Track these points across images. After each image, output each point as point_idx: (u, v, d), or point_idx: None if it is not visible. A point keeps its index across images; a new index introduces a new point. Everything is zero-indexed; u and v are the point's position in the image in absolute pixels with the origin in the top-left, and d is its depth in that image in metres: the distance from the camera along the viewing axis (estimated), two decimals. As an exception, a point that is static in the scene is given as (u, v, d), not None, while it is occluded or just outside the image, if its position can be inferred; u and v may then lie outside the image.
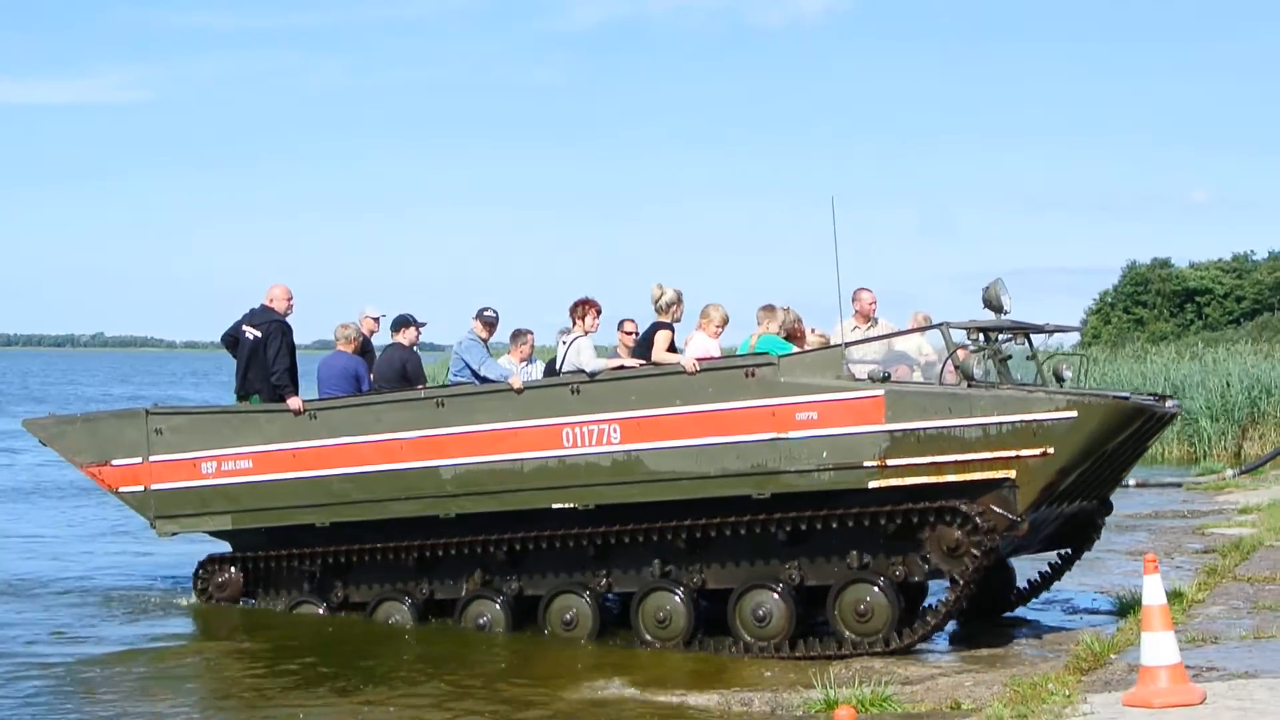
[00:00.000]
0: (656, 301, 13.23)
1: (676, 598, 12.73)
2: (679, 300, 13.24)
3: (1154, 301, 64.98)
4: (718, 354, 12.95)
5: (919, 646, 12.21)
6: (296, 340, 14.78)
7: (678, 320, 13.26)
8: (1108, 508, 13.55)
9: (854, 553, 12.31)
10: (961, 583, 11.93)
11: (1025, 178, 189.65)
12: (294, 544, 14.32)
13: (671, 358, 12.84)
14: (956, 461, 11.76)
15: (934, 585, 13.12)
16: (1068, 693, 9.13)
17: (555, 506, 13.01)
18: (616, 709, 10.89)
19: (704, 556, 12.81)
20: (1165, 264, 66.45)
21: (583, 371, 13.00)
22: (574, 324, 13.47)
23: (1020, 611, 14.12)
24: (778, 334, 13.07)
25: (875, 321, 13.91)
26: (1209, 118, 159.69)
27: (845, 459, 12.02)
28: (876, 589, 12.18)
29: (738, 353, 13.04)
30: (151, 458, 14.58)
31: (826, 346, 12.82)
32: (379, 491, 13.64)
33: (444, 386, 14.04)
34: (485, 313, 14.15)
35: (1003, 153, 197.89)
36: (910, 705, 10.21)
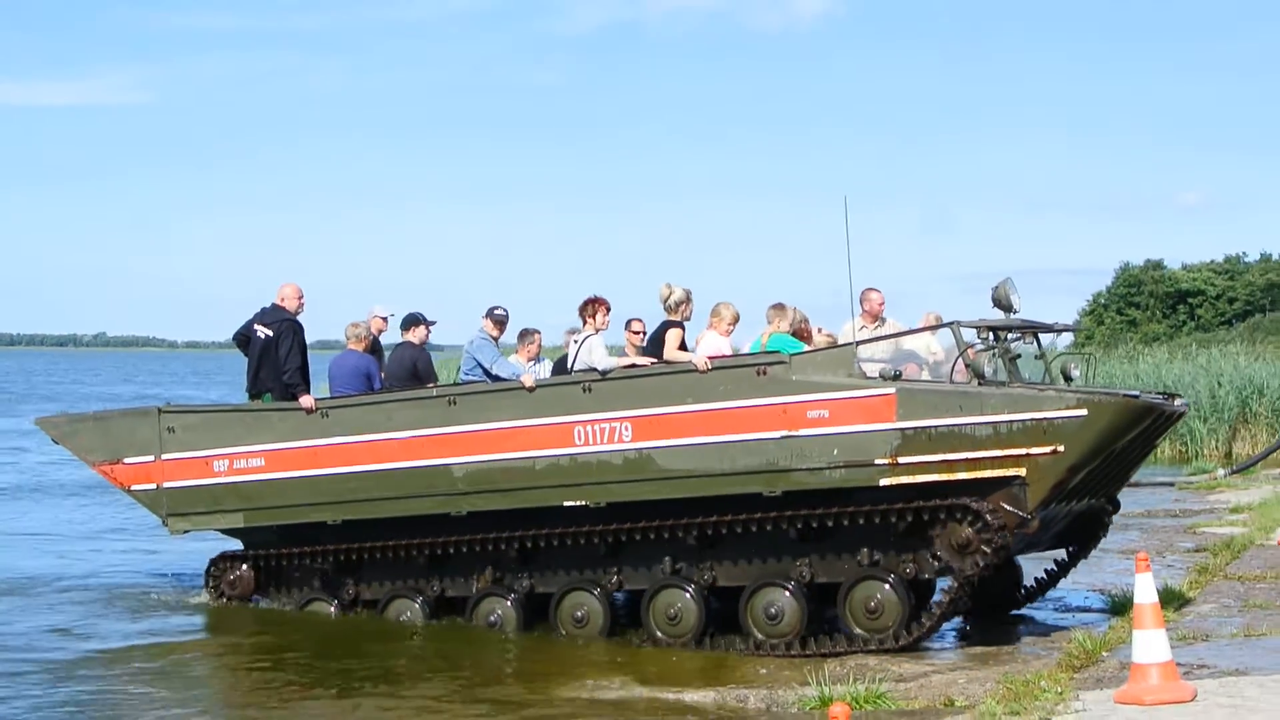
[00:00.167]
0: (665, 300, 13.15)
1: (687, 595, 12.63)
2: (688, 299, 13.15)
3: (1147, 303, 65.06)
4: (729, 352, 12.86)
5: (915, 642, 12.08)
6: (300, 339, 14.63)
7: (687, 319, 13.17)
8: (1115, 506, 13.48)
9: (864, 550, 12.22)
10: (958, 581, 11.84)
11: (1021, 179, 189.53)
12: (305, 542, 14.21)
13: (683, 356, 12.74)
14: (967, 459, 11.68)
15: (942, 582, 13.03)
16: (1060, 690, 9.14)
17: (567, 504, 12.91)
18: (613, 705, 10.85)
19: (715, 554, 12.71)
20: (1158, 266, 66.53)
21: (595, 369, 12.90)
22: (584, 323, 13.39)
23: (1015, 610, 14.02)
24: (788, 332, 12.98)
25: (883, 321, 13.82)
26: (1202, 120, 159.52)
27: (857, 456, 11.93)
28: (887, 586, 12.09)
29: (749, 351, 12.93)
30: (164, 456, 14.48)
31: (837, 345, 12.72)
32: (391, 489, 13.53)
33: (456, 385, 13.93)
34: (496, 311, 14.06)
35: (999, 154, 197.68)
36: (904, 702, 10.18)
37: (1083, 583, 14.84)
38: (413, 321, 14.52)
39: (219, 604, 14.62)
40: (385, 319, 15.11)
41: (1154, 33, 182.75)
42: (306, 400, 13.95)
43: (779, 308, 13.18)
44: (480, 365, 13.65)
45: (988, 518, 11.63)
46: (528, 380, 13.21)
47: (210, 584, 14.79)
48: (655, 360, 12.87)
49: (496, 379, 13.52)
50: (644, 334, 13.56)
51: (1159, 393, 13.16)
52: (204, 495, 14.41)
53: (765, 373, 12.26)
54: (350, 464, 13.69)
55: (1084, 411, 11.46)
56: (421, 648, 13.13)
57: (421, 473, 13.40)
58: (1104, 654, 10.28)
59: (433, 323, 14.68)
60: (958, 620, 13.76)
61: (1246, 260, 66.43)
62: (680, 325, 13.04)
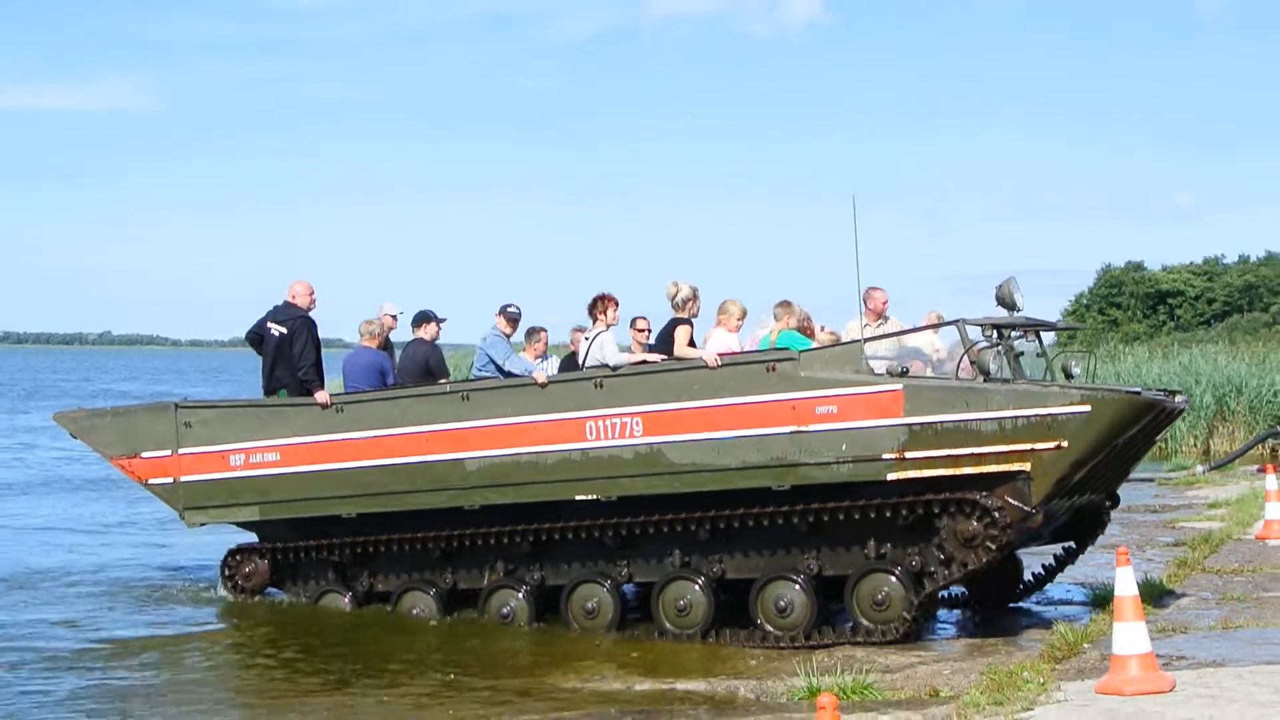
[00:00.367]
0: (673, 298, 13.08)
1: (697, 587, 12.55)
2: (695, 296, 13.09)
3: (1128, 303, 65.17)
4: (738, 348, 12.79)
5: (911, 627, 12.04)
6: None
7: (695, 316, 13.10)
8: (1115, 501, 13.44)
9: (871, 543, 12.17)
10: (951, 569, 11.81)
11: (1005, 182, 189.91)
12: (320, 535, 14.09)
13: (693, 352, 12.67)
14: (973, 454, 11.64)
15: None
16: (1042, 680, 9.16)
17: (578, 498, 12.83)
18: (604, 695, 10.80)
19: (724, 547, 12.64)
20: (1139, 267, 66.67)
21: (606, 366, 12.82)
22: (594, 320, 13.31)
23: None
24: (796, 329, 12.91)
25: (886, 319, 13.78)
26: (1183, 125, 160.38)
27: (864, 451, 11.87)
28: (894, 579, 12.03)
29: (758, 348, 12.86)
30: (181, 450, 14.35)
31: (845, 342, 12.66)
32: (405, 483, 13.43)
33: (468, 381, 13.84)
34: (509, 309, 13.99)
35: (985, 158, 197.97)
36: (891, 693, 10.16)
37: (1064, 576, 14.81)
38: (424, 318, 14.44)
39: (237, 598, 14.50)
40: (395, 316, 15.02)
41: (1136, 39, 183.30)
42: (322, 395, 13.85)
43: (786, 304, 13.12)
44: (493, 361, 13.58)
45: (994, 512, 11.57)
46: (540, 376, 13.12)
47: (226, 575, 14.67)
48: (665, 357, 12.79)
49: (509, 375, 13.43)
50: (649, 332, 13.48)
51: (1159, 389, 13.12)
52: (220, 489, 14.28)
53: (774, 369, 12.20)
54: (365, 458, 13.58)
55: (1087, 408, 11.41)
56: (414, 641, 13.01)
57: (435, 467, 13.30)
58: (1085, 646, 10.29)
59: (443, 320, 14.60)
60: (956, 613, 13.73)
61: (1225, 262, 66.59)
62: (688, 322, 12.97)
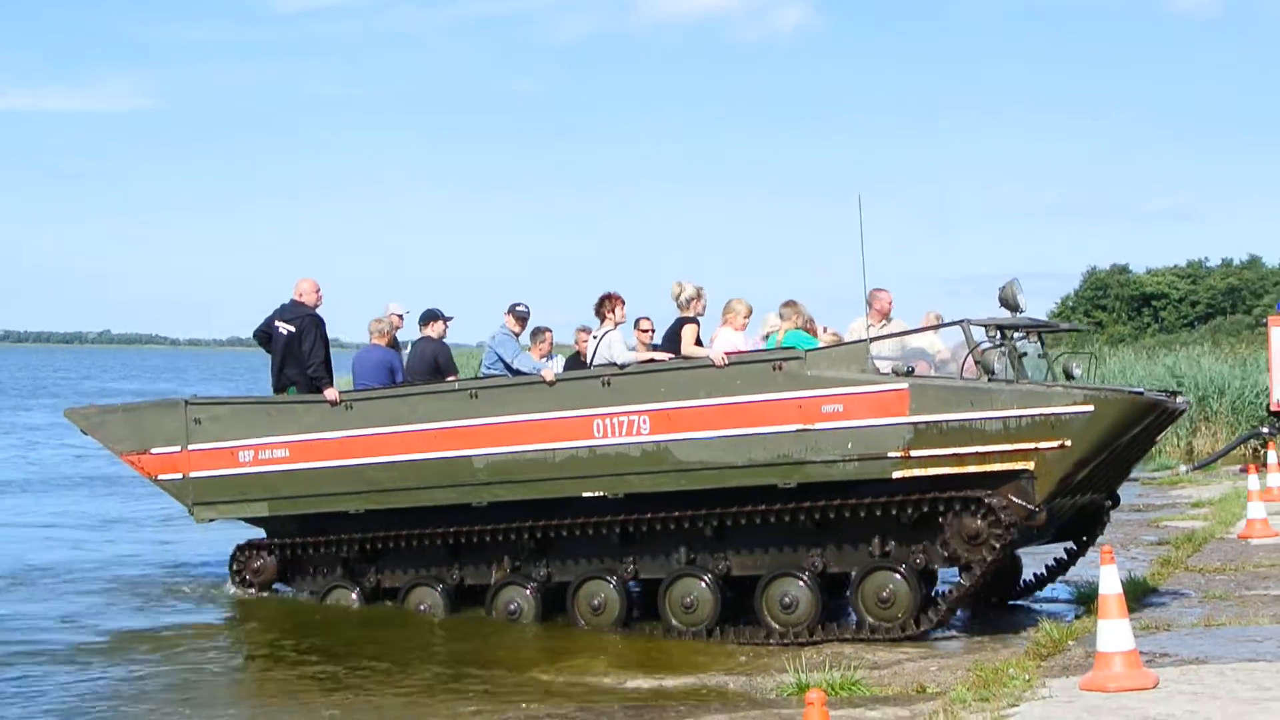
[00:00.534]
0: (678, 298, 13.01)
1: (703, 584, 12.47)
2: (699, 295, 13.01)
3: (1113, 305, 65.18)
4: (744, 347, 12.70)
5: (925, 633, 11.94)
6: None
7: (700, 314, 13.02)
8: (1115, 500, 13.37)
9: (876, 541, 12.09)
10: (978, 571, 11.71)
11: (992, 186, 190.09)
12: (327, 531, 13.98)
13: (700, 351, 12.59)
14: (977, 453, 11.57)
15: (943, 573, 12.96)
16: (1027, 677, 9.14)
17: (585, 495, 12.73)
18: (593, 690, 10.75)
19: (729, 544, 12.55)
20: (1124, 270, 66.72)
21: (614, 364, 12.73)
22: (602, 319, 13.23)
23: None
24: (802, 328, 12.83)
25: (890, 320, 13.70)
26: (1169, 131, 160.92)
27: (870, 450, 11.79)
28: (899, 576, 11.95)
29: (765, 347, 12.78)
30: (190, 446, 14.23)
31: (851, 342, 12.59)
32: (413, 480, 13.32)
33: (477, 379, 13.75)
34: (518, 308, 13.91)
35: (972, 161, 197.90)
36: (878, 689, 10.13)
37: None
38: (431, 317, 14.37)
39: (245, 593, 14.40)
40: (401, 315, 14.94)
41: (1123, 42, 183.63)
42: (331, 393, 13.74)
43: (792, 304, 13.04)
44: (502, 360, 13.49)
45: (998, 511, 11.50)
46: (548, 374, 13.03)
47: (234, 570, 14.56)
48: (672, 355, 12.70)
49: (518, 373, 13.34)
50: (652, 332, 13.41)
51: (1161, 390, 13.06)
52: (229, 485, 14.16)
53: (781, 368, 12.12)
54: (373, 455, 13.47)
55: (1091, 408, 11.35)
56: (414, 636, 12.93)
57: (443, 464, 13.20)
58: (1070, 643, 10.26)
59: (450, 318, 14.52)
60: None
61: (1208, 265, 66.65)
62: (695, 321, 12.89)
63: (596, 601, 12.88)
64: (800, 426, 11.97)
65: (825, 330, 13.49)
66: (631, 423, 12.53)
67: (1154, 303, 64.52)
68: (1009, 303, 12.20)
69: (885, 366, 12.02)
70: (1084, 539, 13.44)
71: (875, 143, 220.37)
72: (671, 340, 12.91)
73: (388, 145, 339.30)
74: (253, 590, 14.39)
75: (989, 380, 11.63)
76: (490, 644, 12.55)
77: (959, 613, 13.32)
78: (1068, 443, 11.36)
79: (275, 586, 14.48)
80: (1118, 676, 8.46)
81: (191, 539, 18.34)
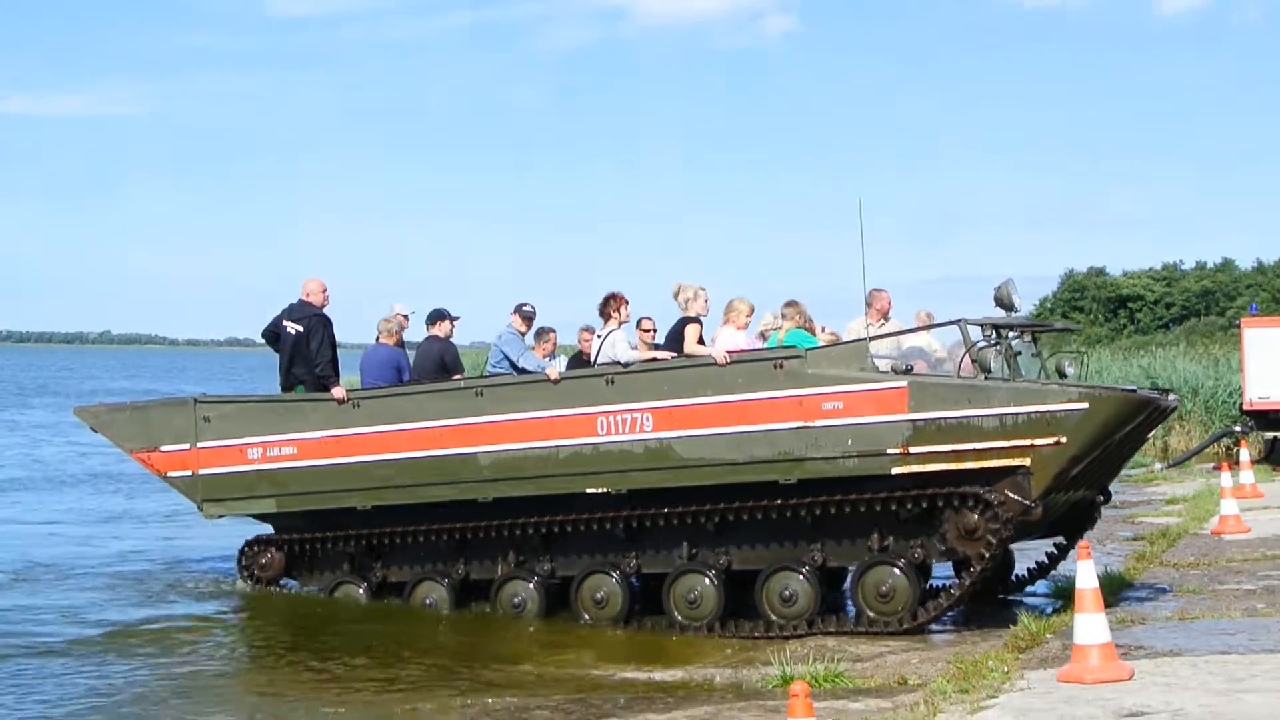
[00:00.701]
0: (679, 298, 12.92)
1: (707, 580, 12.40)
2: (699, 295, 12.93)
3: (1090, 307, 65.37)
4: (746, 346, 12.64)
5: (921, 626, 11.88)
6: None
7: (703, 314, 12.95)
8: (1107, 496, 13.35)
9: (875, 536, 12.03)
10: (978, 566, 11.66)
11: (977, 190, 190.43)
12: (334, 526, 13.88)
13: (703, 350, 12.52)
14: (975, 449, 11.52)
15: (938, 568, 12.90)
16: (1006, 669, 9.16)
17: (589, 491, 12.65)
18: (581, 682, 10.70)
19: (731, 539, 12.49)
20: (1101, 272, 67.00)
21: (618, 362, 12.65)
22: (606, 319, 13.15)
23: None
24: (803, 328, 12.78)
25: (888, 319, 13.65)
26: (1144, 137, 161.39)
27: (870, 446, 11.74)
28: (898, 571, 11.90)
29: (766, 346, 12.72)
30: (199, 444, 14.13)
31: (851, 340, 12.54)
32: (419, 476, 13.23)
33: (483, 377, 13.67)
34: (524, 307, 13.83)
35: (960, 166, 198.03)
36: (861, 681, 10.11)
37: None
38: (437, 316, 14.29)
39: (254, 588, 14.30)
40: (406, 316, 14.85)
41: (1100, 47, 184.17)
42: (338, 391, 13.65)
43: (793, 304, 12.98)
44: (507, 358, 13.41)
45: (995, 506, 11.46)
46: (553, 372, 12.95)
47: (243, 565, 14.46)
48: (675, 354, 12.64)
49: (523, 371, 13.26)
50: (654, 331, 13.35)
51: (1153, 388, 13.04)
52: (238, 481, 14.07)
53: (782, 366, 12.06)
54: (380, 452, 13.38)
55: (1085, 405, 11.31)
56: (410, 630, 12.84)
57: (449, 461, 13.12)
58: (1048, 636, 10.26)
59: (456, 318, 14.44)
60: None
61: (1183, 268, 66.96)
62: (698, 320, 12.82)
63: (600, 596, 12.81)
64: (801, 424, 11.91)
65: (824, 330, 13.44)
66: (635, 420, 12.46)
67: (1130, 304, 64.79)
68: (1004, 302, 12.19)
69: (884, 365, 11.98)
70: (1076, 534, 13.41)
71: (864, 150, 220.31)
72: (674, 339, 12.84)
73: (389, 148, 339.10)
74: (260, 585, 14.28)
75: (986, 378, 11.60)
76: (489, 638, 12.47)
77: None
78: (1063, 439, 11.33)
79: (283, 581, 14.38)
80: (1094, 669, 8.51)
81: (195, 535, 18.23)
